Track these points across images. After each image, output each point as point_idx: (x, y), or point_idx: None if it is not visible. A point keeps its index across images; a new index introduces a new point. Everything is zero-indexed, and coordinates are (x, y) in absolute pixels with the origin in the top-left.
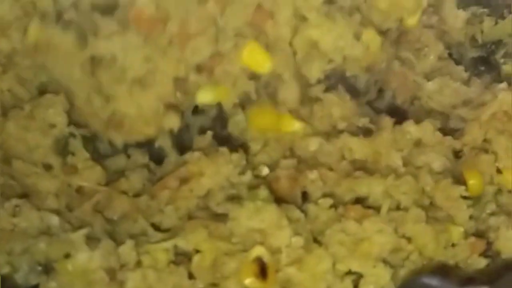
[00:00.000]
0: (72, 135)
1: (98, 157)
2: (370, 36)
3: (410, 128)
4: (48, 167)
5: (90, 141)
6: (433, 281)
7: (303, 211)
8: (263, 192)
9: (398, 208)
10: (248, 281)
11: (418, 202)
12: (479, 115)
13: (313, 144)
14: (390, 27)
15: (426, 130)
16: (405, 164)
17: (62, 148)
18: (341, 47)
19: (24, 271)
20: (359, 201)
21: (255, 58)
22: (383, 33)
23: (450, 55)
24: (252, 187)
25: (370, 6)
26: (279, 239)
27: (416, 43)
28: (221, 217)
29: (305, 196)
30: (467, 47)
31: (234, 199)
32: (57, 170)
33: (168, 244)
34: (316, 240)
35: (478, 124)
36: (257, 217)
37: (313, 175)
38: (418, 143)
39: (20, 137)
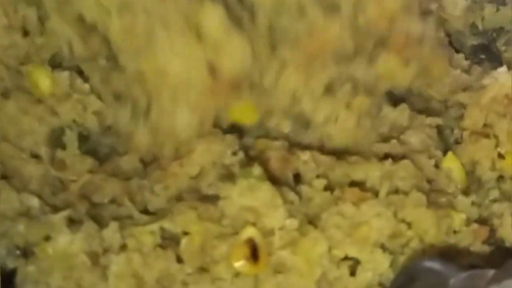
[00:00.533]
0: (69, 128)
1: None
2: (360, 102)
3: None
4: (35, 157)
5: (86, 140)
6: (435, 265)
7: (297, 193)
8: (256, 169)
9: (397, 191)
10: (238, 264)
11: (418, 186)
12: (479, 99)
13: None
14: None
15: (402, 112)
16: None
17: (55, 140)
18: (333, 119)
19: (1, 255)
20: (356, 184)
21: (245, 114)
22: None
23: (450, 43)
24: (245, 165)
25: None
26: (273, 220)
27: None
28: (212, 199)
29: (297, 178)
30: (467, 35)
31: (226, 178)
32: (44, 161)
33: (155, 227)
34: (311, 223)
35: (478, 108)
36: (250, 195)
37: (305, 156)
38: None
39: (16, 119)
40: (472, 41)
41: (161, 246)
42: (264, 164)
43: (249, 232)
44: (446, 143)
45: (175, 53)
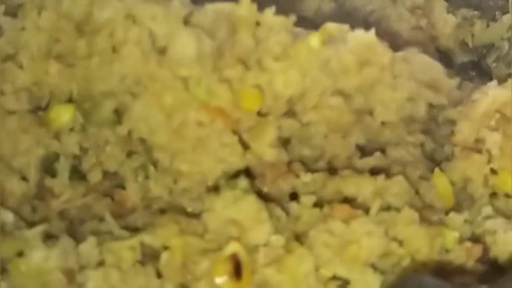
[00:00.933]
0: (65, 156)
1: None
2: None
3: None
4: (23, 178)
5: (79, 173)
6: (427, 281)
7: (284, 209)
8: (242, 182)
9: (389, 208)
10: (220, 280)
11: (410, 203)
12: (470, 114)
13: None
14: None
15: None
16: None
17: (47, 167)
18: None
19: None
20: (347, 200)
21: None
22: None
23: (440, 60)
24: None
25: None
26: (258, 235)
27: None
28: (196, 213)
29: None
30: (457, 52)
31: (211, 191)
32: (31, 185)
33: (134, 241)
34: (298, 240)
35: (470, 122)
36: (234, 207)
37: (306, 178)
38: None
39: (13, 136)
40: (462, 58)
41: (141, 262)
42: (260, 180)
43: (233, 247)
44: (436, 160)
45: (219, 159)
